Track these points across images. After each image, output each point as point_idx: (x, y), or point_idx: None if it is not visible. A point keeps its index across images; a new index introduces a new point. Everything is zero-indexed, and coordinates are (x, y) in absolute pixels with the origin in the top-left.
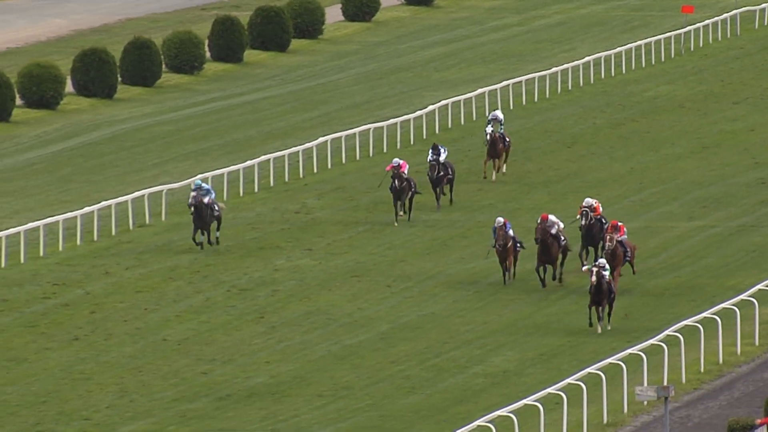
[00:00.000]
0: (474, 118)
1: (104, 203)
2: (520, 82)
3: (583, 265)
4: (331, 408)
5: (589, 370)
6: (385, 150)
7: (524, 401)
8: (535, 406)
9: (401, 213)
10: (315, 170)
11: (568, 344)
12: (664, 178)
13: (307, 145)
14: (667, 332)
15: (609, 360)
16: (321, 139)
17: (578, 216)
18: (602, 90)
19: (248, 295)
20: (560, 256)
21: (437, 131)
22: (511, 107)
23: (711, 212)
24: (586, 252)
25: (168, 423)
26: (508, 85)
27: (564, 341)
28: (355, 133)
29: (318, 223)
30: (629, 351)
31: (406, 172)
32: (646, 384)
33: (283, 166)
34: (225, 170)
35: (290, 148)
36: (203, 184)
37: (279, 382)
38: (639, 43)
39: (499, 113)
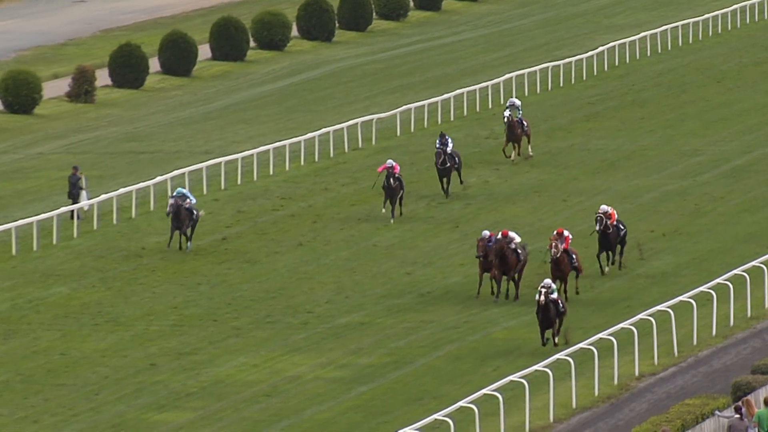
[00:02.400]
0: (637, 57)
1: (324, 130)
2: (677, 26)
3: (601, 270)
4: (512, 304)
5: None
6: (561, 84)
7: (679, 298)
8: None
9: (384, 210)
10: (501, 101)
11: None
12: None
13: (495, 80)
14: None
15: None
16: (506, 76)
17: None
18: (747, 33)
19: (445, 207)
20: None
21: (605, 68)
22: (669, 48)
23: None
24: (607, 255)
25: (377, 316)
26: (667, 29)
27: None
28: (536, 71)
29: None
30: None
31: (398, 172)
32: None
33: (475, 99)
34: (425, 102)
35: (481, 83)
36: (184, 191)
37: (471, 282)
38: None
39: (516, 100)
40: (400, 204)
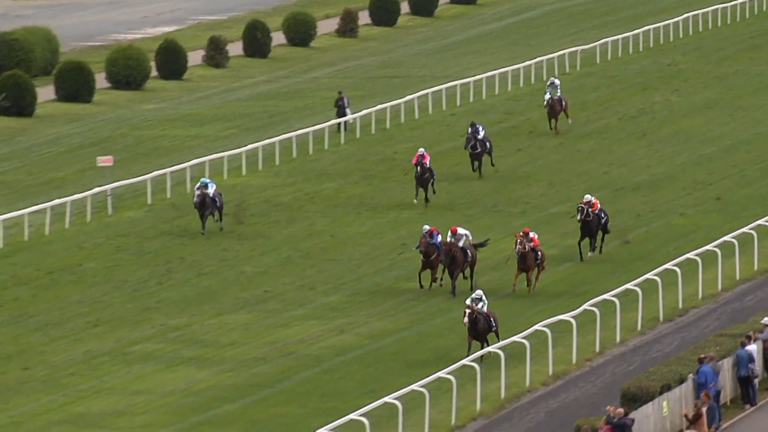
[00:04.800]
0: None
1: (538, 59)
2: None
3: (580, 256)
4: (688, 198)
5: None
6: (728, 22)
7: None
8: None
9: (416, 200)
10: (680, 36)
11: None
12: None
13: (675, 19)
14: None
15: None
16: (684, 15)
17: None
18: None
19: (634, 121)
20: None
21: (764, 8)
22: None
23: None
24: (590, 242)
25: None
26: None
27: None
28: (708, 12)
29: (683, 72)
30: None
31: (428, 162)
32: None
33: (659, 34)
34: (619, 36)
35: (663, 21)
36: (207, 181)
37: (655, 180)
38: None
39: (555, 79)
40: (433, 189)
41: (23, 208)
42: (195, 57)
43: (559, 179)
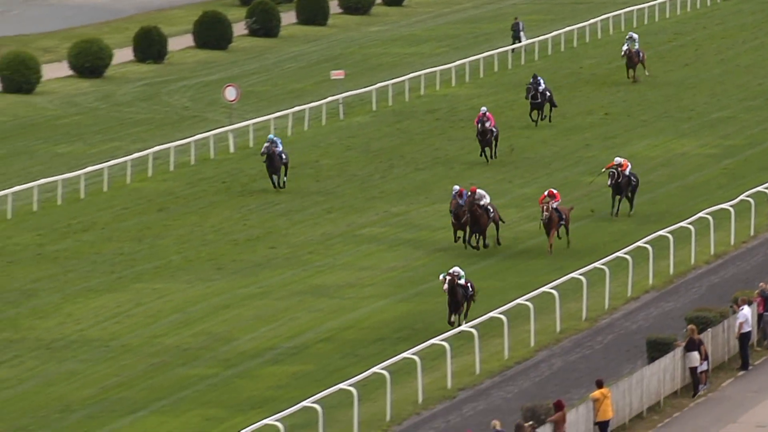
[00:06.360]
0: None
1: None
2: None
3: (613, 214)
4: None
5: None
6: None
7: None
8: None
9: (482, 155)
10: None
11: None
12: None
13: None
14: None
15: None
16: None
17: (603, 170)
18: None
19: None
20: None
21: None
22: None
23: None
24: (619, 201)
25: (739, 112)
26: None
27: None
28: None
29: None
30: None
31: (490, 122)
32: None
33: None
34: None
35: None
36: (275, 138)
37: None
38: None
39: (634, 34)
40: (496, 147)
41: (270, 114)
42: None
43: (720, 90)
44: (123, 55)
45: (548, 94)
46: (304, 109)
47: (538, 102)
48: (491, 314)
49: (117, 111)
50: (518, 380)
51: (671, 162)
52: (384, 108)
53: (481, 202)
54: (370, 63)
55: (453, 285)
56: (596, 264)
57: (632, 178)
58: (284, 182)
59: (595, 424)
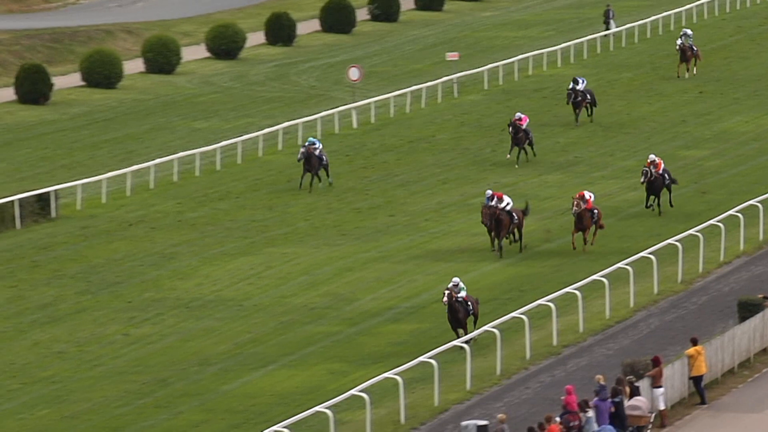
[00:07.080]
0: None
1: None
2: None
3: (648, 206)
4: None
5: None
6: None
7: None
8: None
9: (508, 155)
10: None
11: None
12: None
13: None
14: None
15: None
16: None
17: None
18: None
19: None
20: (516, 232)
21: None
22: None
23: None
24: (655, 199)
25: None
26: None
27: None
28: None
29: None
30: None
31: (524, 125)
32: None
33: None
34: None
35: None
36: (315, 140)
37: None
38: None
39: (688, 30)
40: (530, 147)
41: (391, 92)
42: None
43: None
44: (256, 38)
45: (588, 96)
46: (422, 88)
47: (578, 101)
48: (593, 277)
49: (250, 90)
50: (619, 338)
51: (761, 137)
52: (495, 87)
53: (506, 207)
54: (483, 45)
55: (452, 301)
56: (692, 231)
57: (666, 176)
58: (330, 182)
59: (690, 378)
